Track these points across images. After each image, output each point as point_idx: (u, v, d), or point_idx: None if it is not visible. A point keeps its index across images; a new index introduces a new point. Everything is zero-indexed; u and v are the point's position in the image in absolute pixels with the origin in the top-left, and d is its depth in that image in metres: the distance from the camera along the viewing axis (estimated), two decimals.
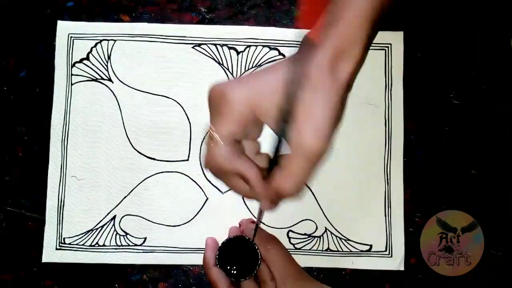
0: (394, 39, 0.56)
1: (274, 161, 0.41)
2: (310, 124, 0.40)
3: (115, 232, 0.54)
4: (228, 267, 0.46)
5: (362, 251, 0.54)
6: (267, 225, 0.54)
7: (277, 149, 0.41)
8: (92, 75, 0.55)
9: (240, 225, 0.51)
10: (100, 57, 0.56)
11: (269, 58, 0.56)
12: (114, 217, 0.54)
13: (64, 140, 0.55)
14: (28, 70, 0.55)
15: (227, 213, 0.54)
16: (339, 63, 0.40)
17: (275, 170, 0.41)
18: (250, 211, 0.55)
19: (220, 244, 0.47)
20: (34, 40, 0.56)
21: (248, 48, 0.56)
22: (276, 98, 0.40)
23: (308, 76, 0.39)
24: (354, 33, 0.40)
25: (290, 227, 0.55)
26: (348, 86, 0.41)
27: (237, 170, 0.41)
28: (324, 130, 0.40)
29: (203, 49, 0.56)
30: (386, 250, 0.54)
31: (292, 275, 0.46)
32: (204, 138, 0.55)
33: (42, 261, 0.54)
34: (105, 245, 0.54)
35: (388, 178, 0.55)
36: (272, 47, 0.56)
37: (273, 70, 0.41)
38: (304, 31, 0.56)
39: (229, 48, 0.56)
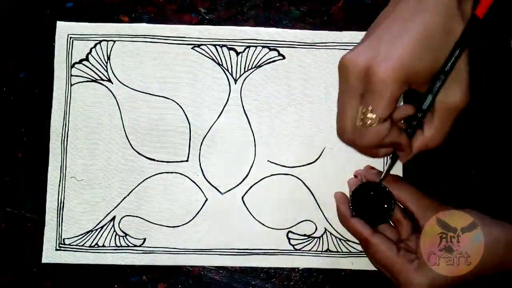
0: None
1: (421, 119, 0.42)
2: (456, 80, 0.40)
3: (114, 233, 0.54)
4: (364, 215, 0.47)
5: (361, 251, 0.54)
6: (266, 226, 0.54)
7: (425, 108, 0.41)
8: (91, 76, 0.56)
9: (356, 176, 0.52)
10: (99, 58, 0.56)
11: (269, 59, 0.56)
12: (113, 218, 0.54)
13: (64, 141, 0.55)
14: (28, 71, 0.56)
15: (226, 213, 0.54)
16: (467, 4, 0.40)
17: (423, 127, 0.42)
18: (249, 211, 0.54)
19: (349, 196, 0.48)
20: (34, 41, 0.56)
21: (247, 49, 0.56)
22: (427, 63, 0.39)
23: (447, 28, 0.38)
24: None
25: (289, 228, 0.54)
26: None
27: (391, 142, 0.42)
28: (467, 84, 0.40)
29: (203, 49, 0.56)
30: None
31: (431, 207, 0.46)
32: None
33: (42, 261, 0.54)
34: (104, 246, 0.54)
35: None
36: (271, 47, 0.56)
37: (403, 25, 0.39)
38: (304, 32, 0.56)
39: (229, 48, 0.56)
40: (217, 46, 0.56)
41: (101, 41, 0.56)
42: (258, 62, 0.56)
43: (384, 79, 0.38)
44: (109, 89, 0.55)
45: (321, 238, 0.54)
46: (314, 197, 0.55)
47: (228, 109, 0.55)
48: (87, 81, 0.56)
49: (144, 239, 0.54)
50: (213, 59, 0.56)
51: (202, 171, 0.55)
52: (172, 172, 0.55)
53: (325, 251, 0.54)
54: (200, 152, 0.55)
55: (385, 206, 0.48)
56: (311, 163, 0.55)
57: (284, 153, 0.55)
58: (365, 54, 0.39)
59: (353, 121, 0.41)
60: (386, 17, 0.41)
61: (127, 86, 0.55)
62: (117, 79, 0.55)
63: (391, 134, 0.41)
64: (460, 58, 0.39)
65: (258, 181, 0.55)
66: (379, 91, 0.38)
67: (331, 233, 0.54)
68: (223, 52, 0.56)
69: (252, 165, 0.55)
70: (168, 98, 0.55)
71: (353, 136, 0.41)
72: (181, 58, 0.56)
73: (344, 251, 0.54)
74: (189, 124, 0.55)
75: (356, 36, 0.55)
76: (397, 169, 0.55)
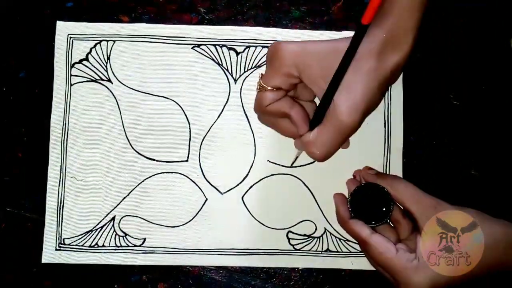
0: None
1: (314, 119, 0.45)
2: (347, 99, 0.42)
3: (114, 233, 0.54)
4: (363, 216, 0.47)
5: (361, 251, 0.53)
6: (266, 226, 0.54)
7: (318, 113, 0.45)
8: (91, 76, 0.56)
9: (354, 176, 0.52)
10: (99, 57, 0.56)
11: None
12: (113, 218, 0.54)
13: (64, 141, 0.55)
14: (28, 71, 0.56)
15: (226, 213, 0.54)
16: (388, 52, 0.42)
17: (307, 134, 0.45)
18: (249, 211, 0.54)
19: (348, 197, 0.48)
20: (34, 41, 0.56)
21: (247, 49, 0.56)
22: (322, 67, 0.43)
23: (356, 57, 0.42)
24: (405, 24, 0.42)
25: (289, 228, 0.54)
26: (393, 76, 0.44)
27: (281, 109, 0.45)
28: (359, 108, 0.42)
29: (203, 49, 0.56)
30: None
31: (430, 206, 0.47)
32: (203, 139, 0.55)
33: (42, 261, 0.54)
34: (104, 246, 0.54)
35: None
36: None
37: (328, 41, 0.45)
38: (304, 32, 0.56)
39: (229, 48, 0.56)
40: (217, 46, 0.56)
41: (101, 41, 0.56)
42: (258, 62, 0.56)
43: (277, 52, 0.44)
44: (109, 89, 0.55)
45: (321, 238, 0.54)
46: (314, 197, 0.55)
47: (228, 109, 0.55)
48: (87, 81, 0.56)
49: (144, 239, 0.54)
50: (213, 59, 0.56)
51: (202, 171, 0.55)
52: (172, 172, 0.55)
53: (325, 251, 0.54)
54: (200, 152, 0.55)
55: (384, 207, 0.48)
56: (311, 163, 0.55)
57: (284, 153, 0.55)
58: (285, 43, 0.45)
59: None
60: None
61: (127, 86, 0.55)
62: (117, 79, 0.55)
63: (280, 104, 0.45)
64: (359, 81, 0.42)
65: (258, 181, 0.55)
66: (271, 62, 0.45)
67: (331, 233, 0.54)
68: (223, 52, 0.56)
69: (252, 165, 0.55)
70: (168, 98, 0.55)
71: (255, 103, 0.47)
72: (181, 58, 0.56)
73: (344, 251, 0.54)
74: (189, 124, 0.55)
75: None
76: (397, 169, 0.55)
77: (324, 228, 0.54)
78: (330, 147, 0.44)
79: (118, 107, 0.55)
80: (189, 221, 0.54)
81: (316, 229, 0.55)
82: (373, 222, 0.48)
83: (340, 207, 0.49)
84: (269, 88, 0.45)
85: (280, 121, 0.47)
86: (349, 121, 0.42)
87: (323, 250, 0.54)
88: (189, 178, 0.55)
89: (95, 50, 0.56)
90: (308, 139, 0.45)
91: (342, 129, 0.43)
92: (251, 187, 0.55)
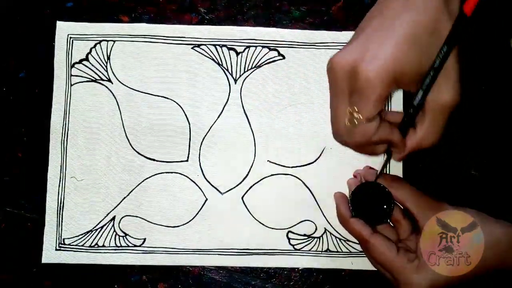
0: None
1: (411, 117, 0.42)
2: (445, 77, 0.40)
3: (114, 233, 0.54)
4: (363, 216, 0.47)
5: (361, 251, 0.53)
6: (266, 226, 0.54)
7: (415, 105, 0.41)
8: (91, 76, 0.56)
9: (355, 176, 0.52)
10: (99, 58, 0.56)
11: (269, 59, 0.56)
12: (113, 218, 0.54)
13: (64, 141, 0.55)
14: (28, 70, 0.56)
15: (226, 213, 0.54)
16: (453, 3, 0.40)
17: (416, 125, 0.42)
18: (249, 212, 0.54)
19: (349, 196, 0.48)
20: (34, 41, 0.56)
21: (247, 49, 0.56)
22: (414, 62, 0.39)
23: (434, 27, 0.38)
24: None
25: (289, 228, 0.54)
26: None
27: (382, 139, 0.42)
28: (458, 82, 0.40)
29: (203, 49, 0.56)
30: None
31: (430, 207, 0.46)
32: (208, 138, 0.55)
33: (42, 261, 0.54)
34: (104, 246, 0.54)
35: None
36: (271, 47, 0.56)
37: (390, 24, 0.39)
38: (304, 32, 0.56)
39: (229, 48, 0.56)
40: (217, 46, 0.56)
41: (101, 41, 0.56)
42: (258, 62, 0.56)
43: (369, 79, 0.38)
44: (109, 89, 0.55)
45: (321, 238, 0.54)
46: (314, 197, 0.55)
47: (228, 109, 0.55)
48: (87, 81, 0.56)
49: (144, 239, 0.54)
50: (213, 59, 0.56)
51: (202, 171, 0.55)
52: (172, 172, 0.55)
53: (325, 251, 0.54)
54: (200, 152, 0.55)
55: (385, 206, 0.48)
56: (311, 163, 0.55)
57: (284, 153, 0.55)
58: (351, 55, 0.39)
59: (344, 122, 0.41)
60: (373, 17, 0.41)
61: (127, 86, 0.55)
62: (117, 79, 0.55)
63: (381, 131, 0.41)
64: (449, 57, 0.39)
65: (258, 181, 0.55)
66: (365, 91, 0.39)
67: (331, 233, 0.54)
68: (223, 52, 0.56)
69: (252, 165, 0.55)
70: (168, 98, 0.55)
71: (345, 137, 0.42)
72: (181, 58, 0.56)
73: (344, 251, 0.54)
74: (189, 124, 0.55)
75: None
76: (397, 169, 0.55)
77: (324, 228, 0.54)
78: (442, 131, 0.41)
79: (118, 107, 0.55)
80: (189, 221, 0.54)
81: (316, 229, 0.55)
82: (373, 222, 0.48)
83: (340, 206, 0.49)
84: (365, 119, 0.40)
85: (377, 146, 0.44)
86: (455, 100, 0.40)
87: (323, 250, 0.54)
88: (189, 178, 0.55)
89: (95, 50, 0.56)
90: (417, 139, 0.42)
91: (449, 110, 0.40)
92: (251, 187, 0.55)
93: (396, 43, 0.38)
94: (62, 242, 0.54)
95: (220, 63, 0.56)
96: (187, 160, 0.55)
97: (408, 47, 0.38)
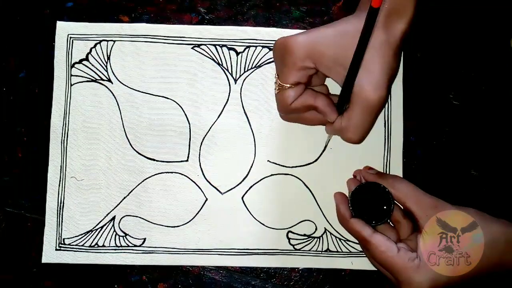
0: None
1: (339, 104, 0.46)
2: (369, 78, 0.43)
3: (114, 233, 0.54)
4: (363, 216, 0.47)
5: (361, 251, 0.54)
6: (266, 226, 0.54)
7: (343, 98, 0.45)
8: (91, 76, 0.56)
9: (355, 176, 0.53)
10: (99, 57, 0.56)
11: (269, 59, 0.56)
12: (113, 218, 0.54)
13: (64, 141, 0.55)
14: (28, 70, 0.56)
15: (226, 213, 0.54)
16: (393, 21, 0.44)
17: (338, 121, 0.46)
18: (249, 211, 0.54)
19: (349, 196, 0.48)
20: (34, 41, 0.56)
21: (247, 49, 0.56)
22: (336, 52, 0.43)
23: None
24: None
25: (289, 228, 0.55)
26: (402, 43, 0.45)
27: (306, 103, 0.46)
28: (383, 83, 0.43)
29: (203, 49, 0.56)
30: None
31: (430, 206, 0.47)
32: (203, 137, 0.55)
33: (42, 261, 0.54)
34: (104, 246, 0.54)
35: None
36: (271, 47, 0.56)
37: (334, 25, 0.45)
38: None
39: (229, 48, 0.56)
40: (217, 46, 0.56)
41: (101, 41, 0.56)
42: (258, 62, 0.56)
43: (289, 48, 0.44)
44: (109, 89, 0.55)
45: (321, 238, 0.54)
46: (314, 197, 0.55)
47: (228, 109, 0.55)
48: (87, 81, 0.56)
49: (144, 239, 0.54)
50: (213, 59, 0.56)
51: (202, 171, 0.55)
52: (172, 172, 0.55)
53: (325, 251, 0.54)
54: (200, 152, 0.55)
55: (385, 206, 0.48)
56: (311, 163, 0.55)
57: (284, 153, 0.55)
58: (288, 36, 0.45)
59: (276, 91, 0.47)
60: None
61: (127, 86, 0.55)
62: (117, 79, 0.55)
63: (303, 98, 0.46)
64: (374, 57, 0.43)
65: (258, 181, 0.55)
66: (284, 59, 0.45)
67: (331, 233, 0.54)
68: (223, 52, 0.56)
69: (252, 165, 0.55)
70: (168, 98, 0.55)
71: (278, 105, 0.48)
72: (181, 58, 0.56)
73: (344, 251, 0.54)
74: (189, 124, 0.55)
75: None
76: (397, 169, 0.55)
77: (324, 228, 0.55)
78: (365, 128, 0.45)
79: (118, 107, 0.55)
80: (189, 221, 0.54)
81: (316, 229, 0.55)
82: (373, 222, 0.48)
83: (340, 206, 0.49)
84: (288, 86, 0.45)
85: (306, 114, 0.48)
86: (377, 98, 0.43)
87: (323, 250, 0.54)
88: (189, 178, 0.55)
89: (95, 50, 0.56)
90: (341, 126, 0.46)
91: (372, 108, 0.44)
92: (251, 187, 0.55)
93: (328, 31, 0.44)
94: (62, 242, 0.54)
95: (220, 63, 0.56)
96: (187, 160, 0.55)
97: (336, 36, 0.44)
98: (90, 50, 0.56)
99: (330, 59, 0.44)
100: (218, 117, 0.55)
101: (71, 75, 0.55)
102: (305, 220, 0.55)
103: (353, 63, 0.42)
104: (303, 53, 0.44)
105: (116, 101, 0.55)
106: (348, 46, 0.42)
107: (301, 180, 0.55)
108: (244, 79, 0.56)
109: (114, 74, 0.55)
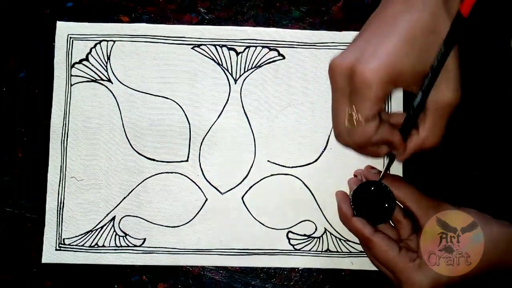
0: None
1: (413, 118, 0.42)
2: (445, 78, 0.39)
3: (114, 233, 0.54)
4: (365, 215, 0.47)
5: (361, 251, 0.54)
6: (266, 226, 0.54)
7: (415, 107, 0.41)
8: (91, 76, 0.56)
9: (356, 175, 0.52)
10: (99, 58, 0.56)
11: (269, 59, 0.56)
12: (113, 218, 0.54)
13: (64, 141, 0.55)
14: (28, 70, 0.56)
15: (226, 213, 0.54)
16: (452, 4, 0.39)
17: (418, 127, 0.42)
18: (249, 211, 0.54)
19: (350, 195, 0.48)
20: (34, 41, 0.56)
21: (247, 49, 0.56)
22: (412, 61, 0.38)
23: (434, 27, 0.38)
24: None
25: (289, 228, 0.54)
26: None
27: (382, 140, 0.42)
28: (458, 82, 0.40)
29: (203, 49, 0.56)
30: None
31: (431, 207, 0.46)
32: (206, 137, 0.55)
33: (42, 261, 0.54)
34: (104, 246, 0.54)
35: None
36: (271, 47, 0.56)
37: (392, 33, 0.39)
38: (304, 32, 0.56)
39: (229, 48, 0.56)
40: (217, 46, 0.56)
41: (101, 41, 0.56)
42: (258, 62, 0.56)
43: (366, 79, 0.38)
44: (109, 89, 0.55)
45: (321, 238, 0.54)
46: (314, 197, 0.55)
47: (228, 109, 0.55)
48: (87, 81, 0.56)
49: (144, 239, 0.54)
50: (213, 59, 0.56)
51: (202, 171, 0.55)
52: (172, 172, 0.55)
53: (325, 251, 0.54)
54: (200, 152, 0.55)
55: (386, 205, 0.48)
56: (311, 163, 0.55)
57: (284, 153, 0.55)
58: (351, 56, 0.39)
59: (344, 123, 0.41)
60: (373, 19, 0.41)
61: (127, 86, 0.55)
62: (117, 79, 0.55)
63: (380, 132, 0.41)
64: (449, 57, 0.39)
65: (258, 181, 0.55)
66: (362, 91, 0.39)
67: (331, 233, 0.54)
68: (223, 52, 0.56)
69: (252, 165, 0.55)
70: (168, 98, 0.55)
71: (345, 138, 0.42)
72: (181, 58, 0.56)
73: (344, 251, 0.54)
74: (189, 124, 0.55)
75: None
76: (397, 169, 0.55)
77: (324, 228, 0.54)
78: (443, 131, 0.42)
79: (118, 107, 0.55)
80: (189, 221, 0.54)
81: (316, 229, 0.55)
82: (375, 221, 0.48)
83: (342, 205, 0.49)
84: (363, 119, 0.40)
85: (380, 148, 0.43)
86: (456, 99, 0.40)
87: (323, 250, 0.54)
88: (189, 178, 0.55)
89: (95, 50, 0.56)
90: (419, 140, 0.42)
91: (451, 111, 0.40)
92: (251, 187, 0.55)
93: (394, 43, 0.38)
94: (62, 242, 0.54)
95: (220, 63, 0.56)
96: (187, 160, 0.55)
97: (406, 46, 0.38)
98: (90, 50, 0.56)
99: (409, 73, 0.39)
100: (218, 117, 0.55)
101: (71, 75, 0.55)
102: (305, 220, 0.55)
103: (433, 75, 0.39)
104: (384, 80, 0.38)
105: (116, 101, 0.55)
106: (423, 50, 0.38)
107: (301, 180, 0.55)
108: (244, 79, 0.56)
109: (114, 74, 0.55)
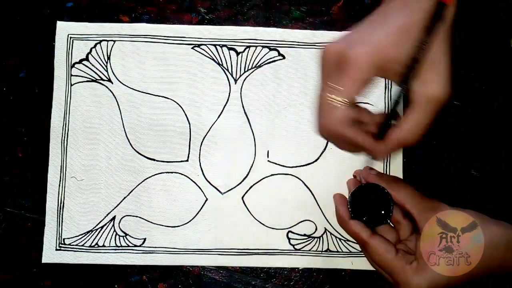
0: None
1: (393, 113, 0.41)
2: (435, 72, 0.39)
3: (114, 233, 0.54)
4: (363, 217, 0.47)
5: (361, 251, 0.53)
6: (266, 226, 0.54)
7: (397, 101, 0.41)
8: (91, 76, 0.56)
9: (355, 176, 0.51)
10: (99, 57, 0.56)
11: (269, 59, 0.56)
12: (113, 218, 0.54)
13: (64, 140, 0.55)
14: (28, 70, 0.56)
15: (226, 213, 0.54)
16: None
17: (397, 122, 0.41)
18: (249, 211, 0.54)
19: (348, 197, 0.48)
20: (34, 41, 0.56)
21: (247, 49, 0.56)
22: (401, 51, 0.39)
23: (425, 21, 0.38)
24: None
25: (290, 227, 0.55)
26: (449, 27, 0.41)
27: (349, 139, 0.41)
28: (446, 76, 0.40)
29: (203, 49, 0.56)
30: None
31: (430, 208, 0.46)
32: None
33: (42, 261, 0.54)
34: (104, 246, 0.54)
35: None
36: (271, 47, 0.56)
37: (385, 22, 0.40)
38: (304, 32, 0.56)
39: (229, 48, 0.56)
40: (217, 46, 0.56)
41: (101, 41, 0.56)
42: (258, 62, 0.56)
43: (352, 59, 0.38)
44: (109, 89, 0.55)
45: (321, 238, 0.54)
46: (314, 197, 0.55)
47: (228, 109, 0.55)
48: (87, 81, 0.56)
49: (144, 239, 0.54)
50: (213, 59, 0.56)
51: (202, 171, 0.55)
52: (172, 172, 0.55)
53: (325, 251, 0.54)
54: (200, 152, 0.55)
55: (384, 207, 0.48)
56: (311, 163, 0.55)
57: (284, 153, 0.55)
58: (342, 43, 0.40)
59: (324, 107, 0.41)
60: (371, 15, 0.42)
61: (127, 86, 0.55)
62: (117, 79, 0.55)
63: (350, 130, 0.41)
64: (439, 51, 0.39)
65: (258, 181, 0.55)
66: (347, 71, 0.39)
67: (331, 233, 0.54)
68: (223, 52, 0.56)
69: (252, 165, 0.55)
70: (168, 98, 0.55)
71: (323, 123, 0.41)
72: (181, 58, 0.56)
73: (344, 251, 0.54)
74: (189, 124, 0.55)
75: None
76: (397, 170, 0.55)
77: (324, 228, 0.55)
78: (426, 128, 0.41)
79: (118, 107, 0.55)
80: (189, 221, 0.54)
81: (316, 229, 0.55)
82: (373, 223, 0.48)
83: (339, 208, 0.49)
84: (346, 101, 0.39)
85: (344, 143, 0.43)
86: (444, 95, 0.39)
87: (323, 250, 0.54)
88: (189, 178, 0.55)
89: (95, 50, 0.56)
90: (403, 132, 0.41)
91: (437, 105, 0.40)
92: (251, 187, 0.55)
93: (385, 32, 0.39)
94: (62, 242, 0.54)
95: (220, 63, 0.56)
96: (187, 160, 0.55)
97: (396, 36, 0.39)
98: (90, 50, 0.56)
99: (396, 62, 0.39)
100: (218, 117, 0.55)
101: (71, 75, 0.55)
102: (305, 220, 0.55)
103: (411, 64, 0.39)
104: (371, 63, 0.38)
105: (116, 101, 0.55)
106: (412, 44, 0.39)
107: (301, 180, 0.55)
108: (244, 79, 0.56)
109: (114, 74, 0.55)
